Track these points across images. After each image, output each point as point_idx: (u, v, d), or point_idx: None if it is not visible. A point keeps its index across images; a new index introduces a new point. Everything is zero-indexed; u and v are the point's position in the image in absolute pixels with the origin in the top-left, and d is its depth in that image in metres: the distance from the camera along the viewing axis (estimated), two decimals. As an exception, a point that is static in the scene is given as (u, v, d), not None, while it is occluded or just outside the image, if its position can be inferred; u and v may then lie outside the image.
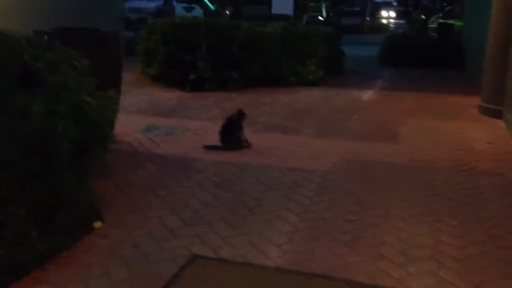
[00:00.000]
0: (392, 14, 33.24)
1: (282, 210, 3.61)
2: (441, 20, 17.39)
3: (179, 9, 20.77)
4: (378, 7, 31.52)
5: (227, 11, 23.28)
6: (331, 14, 28.65)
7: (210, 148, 5.00)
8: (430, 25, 19.23)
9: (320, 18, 27.72)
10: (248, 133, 5.32)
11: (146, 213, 3.51)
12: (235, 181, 4.16)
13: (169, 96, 7.63)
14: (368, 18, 26.64)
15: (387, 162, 4.75)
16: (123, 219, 3.40)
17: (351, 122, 6.30)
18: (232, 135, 5.03)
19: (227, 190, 3.96)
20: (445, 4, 25.52)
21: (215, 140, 5.03)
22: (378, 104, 7.50)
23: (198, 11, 21.84)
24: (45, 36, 3.73)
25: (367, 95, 8.20)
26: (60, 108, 3.08)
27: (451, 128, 6.12)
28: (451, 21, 15.53)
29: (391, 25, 29.10)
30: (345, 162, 4.73)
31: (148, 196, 3.79)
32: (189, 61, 8.04)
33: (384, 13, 32.17)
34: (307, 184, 4.12)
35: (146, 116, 6.29)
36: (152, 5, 20.89)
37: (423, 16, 22.92)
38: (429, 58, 11.91)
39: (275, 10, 18.11)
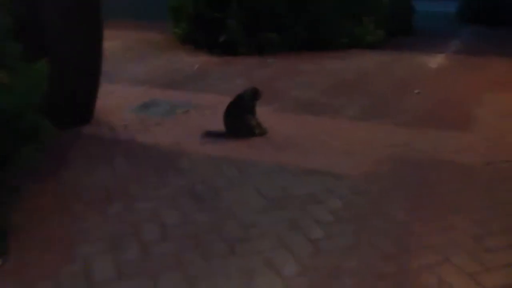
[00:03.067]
0: None
1: (278, 249, 2.34)
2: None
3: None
4: None
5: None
6: None
7: (211, 135, 3.79)
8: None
9: None
10: (268, 112, 4.10)
11: (72, 247, 2.36)
12: (225, 191, 2.92)
13: (192, 61, 6.41)
14: None
15: (454, 163, 3.30)
16: (34, 258, 2.27)
17: (410, 99, 4.80)
18: (239, 118, 3.76)
19: (208, 208, 2.73)
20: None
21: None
22: (449, 74, 5.88)
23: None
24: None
25: (437, 61, 6.56)
26: None
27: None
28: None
29: None
30: (391, 161, 3.34)
31: (91, 215, 2.64)
32: (219, 19, 6.75)
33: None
34: (328, 200, 2.81)
35: (150, 87, 5.12)
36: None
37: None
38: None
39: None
